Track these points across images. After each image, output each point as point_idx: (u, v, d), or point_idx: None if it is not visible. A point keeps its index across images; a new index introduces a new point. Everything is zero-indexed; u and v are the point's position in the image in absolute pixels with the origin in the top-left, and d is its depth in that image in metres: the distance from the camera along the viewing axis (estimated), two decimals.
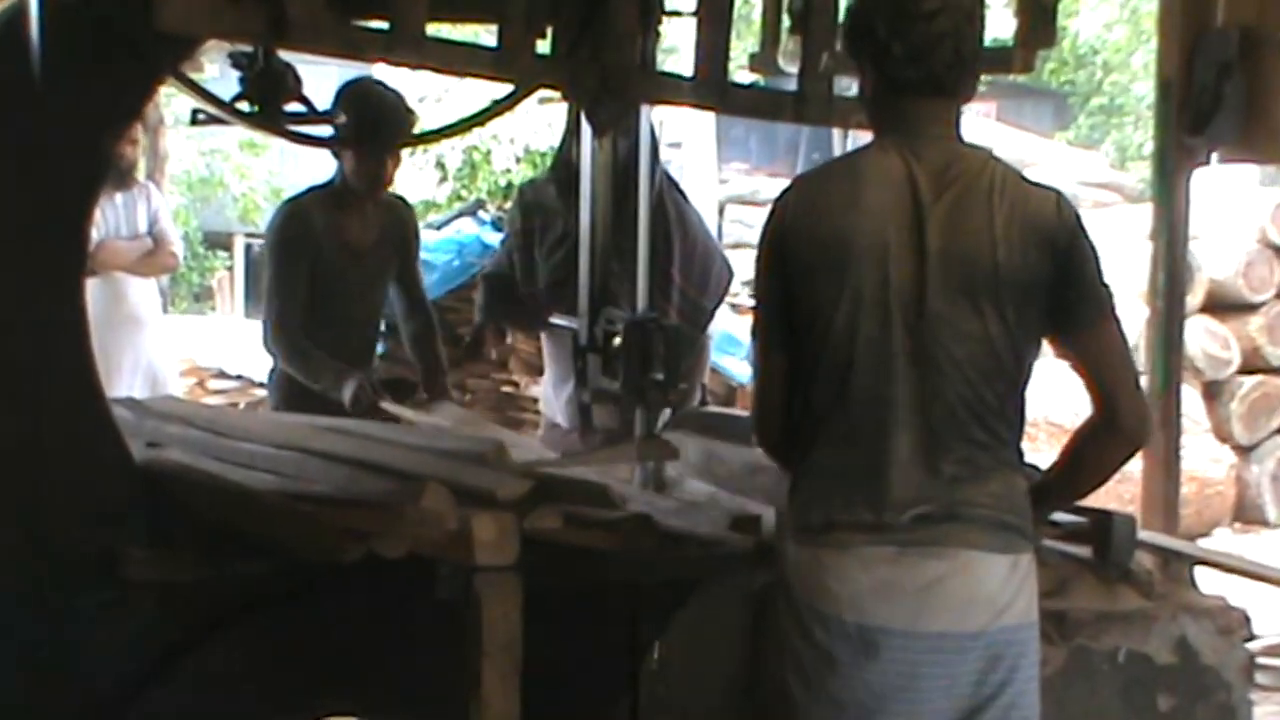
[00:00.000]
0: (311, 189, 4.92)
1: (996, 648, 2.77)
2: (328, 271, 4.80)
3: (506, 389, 7.32)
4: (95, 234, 6.93)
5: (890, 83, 2.85)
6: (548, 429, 5.05)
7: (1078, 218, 2.85)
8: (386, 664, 3.18)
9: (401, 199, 5.21)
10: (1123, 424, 2.85)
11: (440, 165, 11.07)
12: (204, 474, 3.30)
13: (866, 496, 2.78)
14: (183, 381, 8.02)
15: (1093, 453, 2.90)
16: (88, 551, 2.97)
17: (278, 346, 4.82)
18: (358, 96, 4.55)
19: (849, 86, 3.42)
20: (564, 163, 4.74)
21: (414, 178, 13.91)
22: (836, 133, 8.78)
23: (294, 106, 3.48)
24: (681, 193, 4.97)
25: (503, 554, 2.87)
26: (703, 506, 3.46)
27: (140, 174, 7.50)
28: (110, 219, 7.05)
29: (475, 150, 11.00)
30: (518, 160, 10.94)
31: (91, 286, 6.97)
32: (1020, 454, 2.87)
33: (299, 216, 4.81)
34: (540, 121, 10.15)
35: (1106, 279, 2.86)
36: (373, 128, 4.53)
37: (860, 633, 2.76)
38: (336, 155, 4.83)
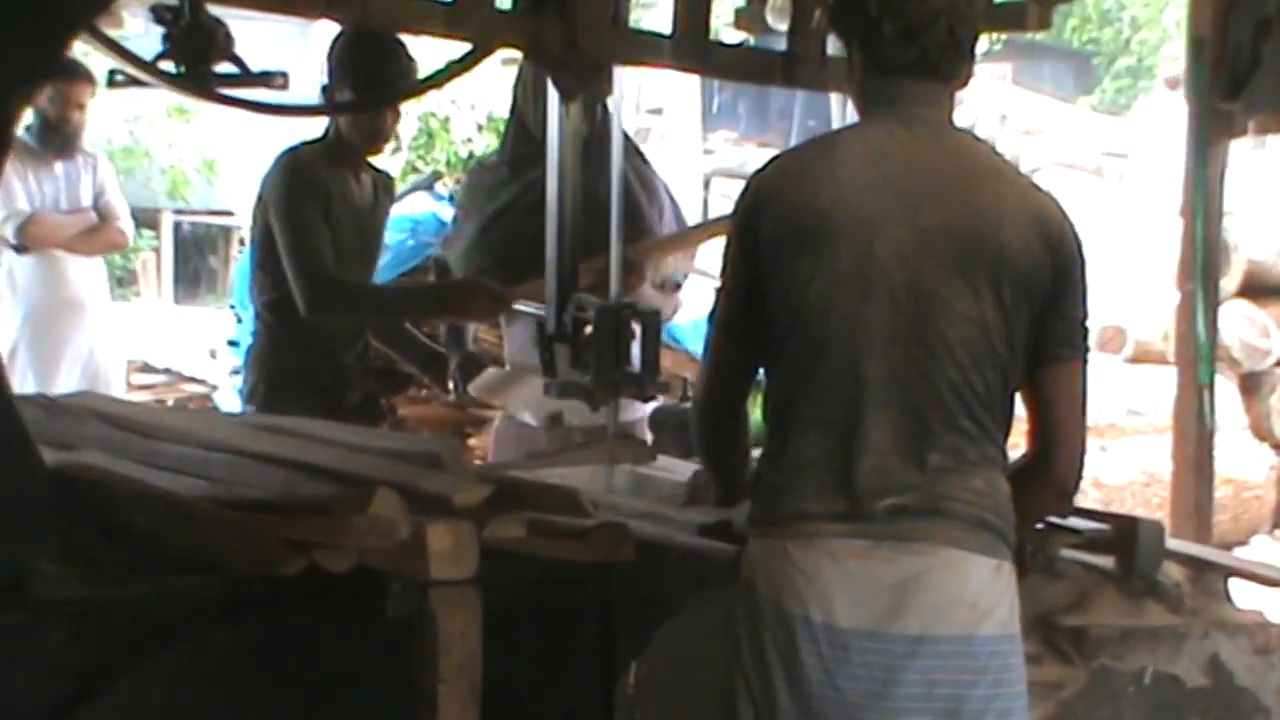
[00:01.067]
0: (305, 143, 4.86)
1: (979, 659, 2.80)
2: (335, 231, 4.72)
3: None
4: (28, 206, 6.90)
5: (880, 64, 2.93)
6: (512, 426, 5.04)
7: (1079, 237, 2.93)
8: (331, 691, 3.18)
9: (383, 171, 5.17)
10: (1055, 476, 2.95)
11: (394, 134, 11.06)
12: (125, 479, 3.29)
13: (840, 483, 2.82)
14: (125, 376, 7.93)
15: (1021, 496, 2.93)
16: None
17: (335, 298, 4.67)
18: (360, 44, 4.55)
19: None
20: (515, 136, 4.77)
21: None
22: (835, 98, 8.80)
23: (226, 68, 3.46)
24: (644, 159, 4.99)
25: (460, 566, 2.87)
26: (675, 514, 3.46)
27: (85, 143, 7.44)
28: (48, 190, 7.01)
29: (432, 117, 10.99)
30: (479, 128, 10.93)
31: (26, 265, 7.04)
32: (1005, 454, 2.92)
33: (306, 166, 4.72)
34: (504, 85, 10.15)
35: (1089, 317, 2.94)
36: (379, 79, 4.53)
37: (829, 634, 2.79)
38: (326, 113, 4.82)
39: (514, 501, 3.13)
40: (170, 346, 8.25)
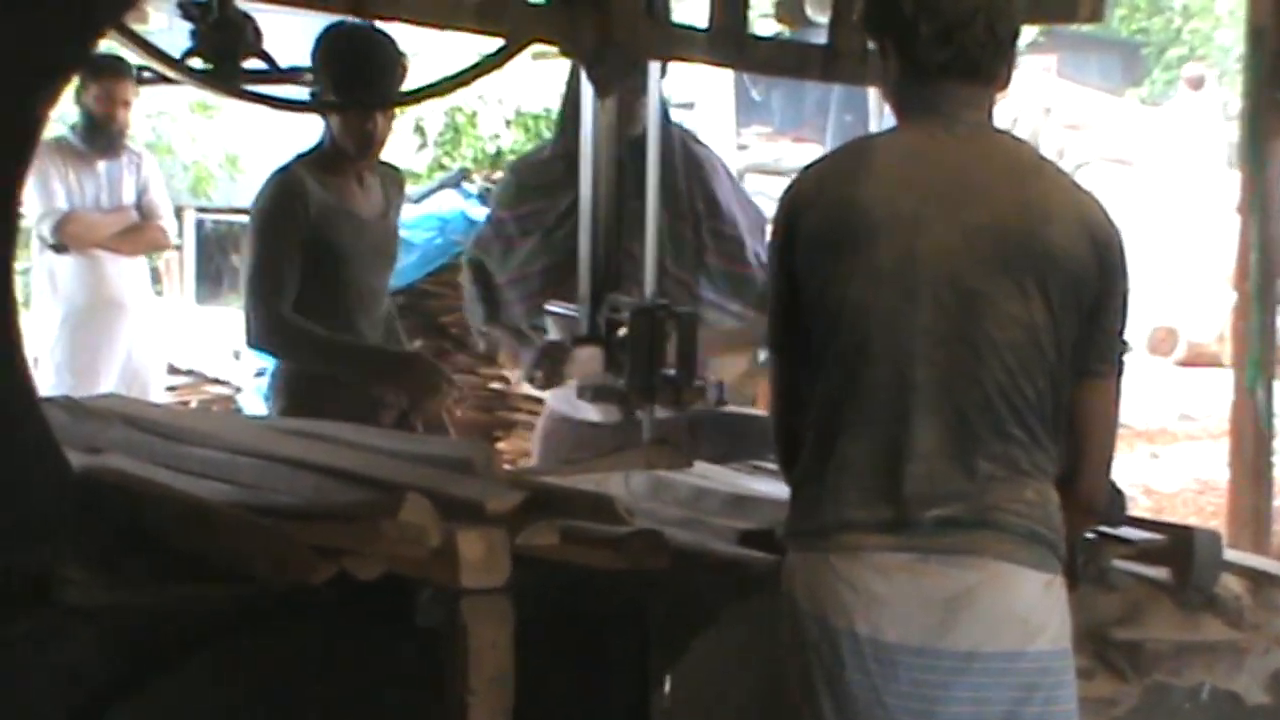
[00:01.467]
0: (300, 156, 4.85)
1: (1031, 675, 2.80)
2: (330, 245, 4.71)
3: (495, 385, 7.35)
4: (67, 205, 6.94)
5: (917, 65, 2.92)
6: (559, 425, 4.98)
7: (1123, 244, 2.92)
8: (359, 701, 3.19)
9: (392, 165, 5.16)
10: (1081, 494, 2.95)
11: (419, 129, 11.08)
12: (151, 484, 3.31)
13: (886, 490, 2.82)
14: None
15: None
16: (18, 574, 2.98)
17: (274, 337, 4.70)
18: (339, 42, 4.50)
19: None
20: (571, 131, 4.75)
21: (389, 144, 13.87)
22: (873, 92, 8.78)
23: (254, 64, 3.47)
24: (707, 151, 4.96)
25: (492, 574, 2.87)
26: (712, 520, 3.47)
27: (131, 140, 7.45)
28: (89, 189, 7.04)
29: (459, 112, 11.01)
30: (507, 124, 10.96)
31: (66, 265, 7.07)
32: (1055, 466, 2.90)
33: (289, 187, 4.71)
34: (534, 79, 10.17)
35: (1125, 331, 2.95)
36: (359, 79, 4.50)
37: (875, 649, 2.79)
38: (323, 114, 4.78)
39: (547, 508, 3.14)
40: (193, 347, 8.27)
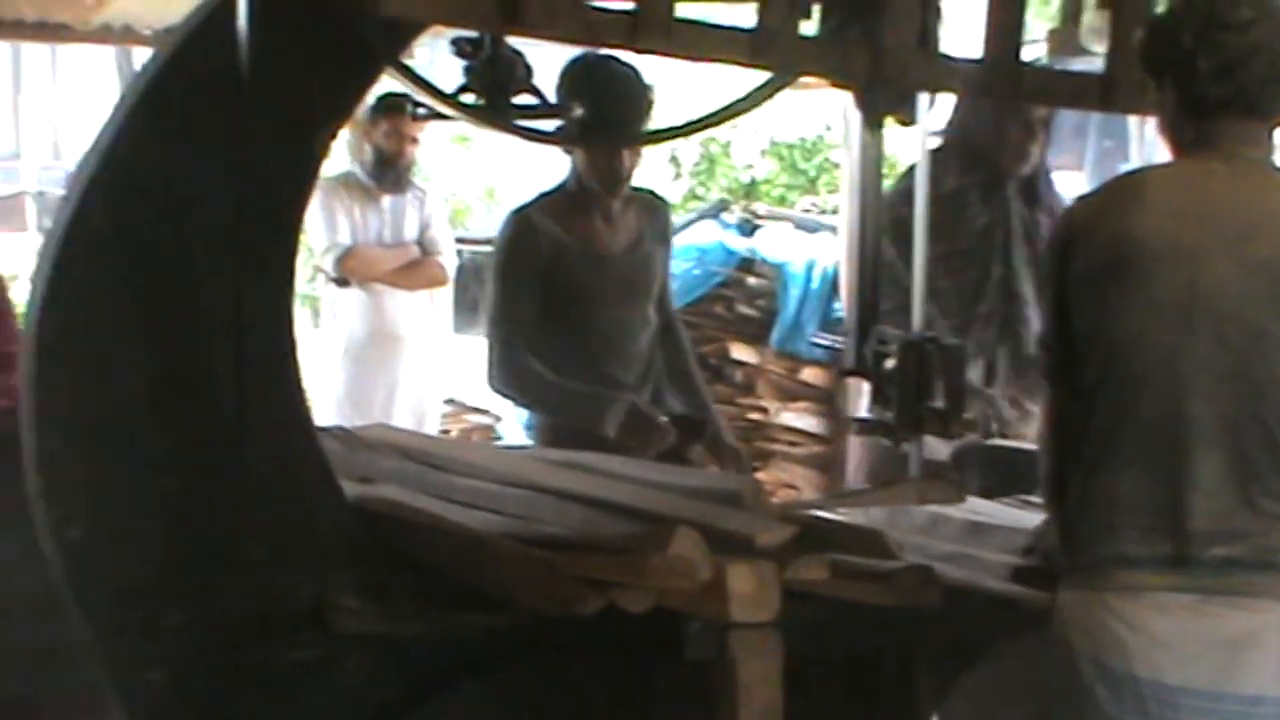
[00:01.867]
0: (543, 195, 4.87)
1: None
2: (568, 286, 4.70)
3: (754, 416, 7.34)
4: (350, 240, 7.10)
5: (1195, 102, 2.87)
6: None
7: None
8: None
9: (655, 195, 5.09)
10: None
11: (674, 160, 11.12)
12: (422, 514, 3.36)
13: (1166, 526, 2.77)
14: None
15: None
16: (296, 601, 3.04)
17: (510, 381, 4.74)
18: (584, 77, 4.42)
19: None
20: (964, 161, 4.83)
21: (643, 174, 13.98)
22: (1133, 119, 8.53)
23: (524, 99, 3.51)
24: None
25: (762, 609, 2.88)
26: (980, 556, 3.42)
27: (417, 177, 7.58)
28: (373, 225, 7.16)
29: (714, 142, 11.03)
30: (762, 154, 10.94)
31: (347, 298, 7.24)
32: None
33: (525, 228, 4.73)
34: (786, 110, 10.15)
35: None
36: (606, 115, 4.43)
37: (1156, 692, 2.73)
38: (567, 150, 4.77)
39: (816, 541, 3.13)
40: (452, 375, 8.37)
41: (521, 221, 4.76)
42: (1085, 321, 2.87)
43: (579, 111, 4.16)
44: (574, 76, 4.44)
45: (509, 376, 4.73)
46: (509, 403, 5.13)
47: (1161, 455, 2.79)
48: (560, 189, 4.83)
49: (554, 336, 4.70)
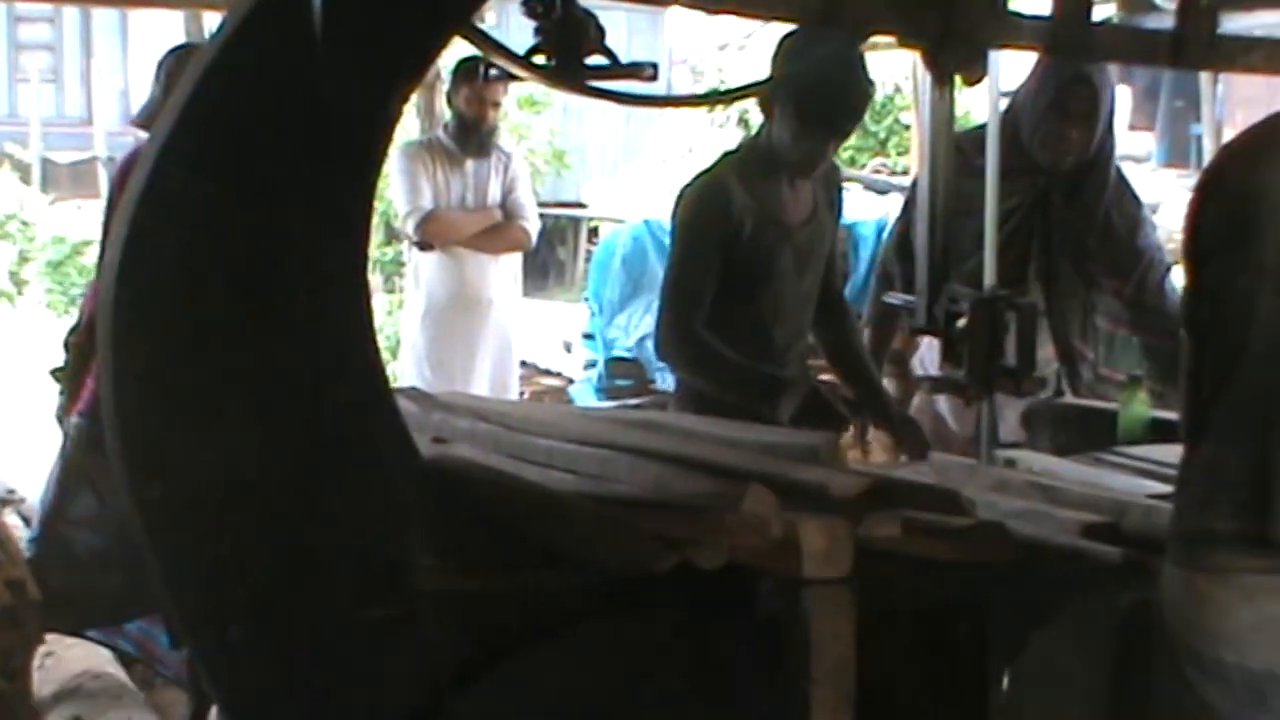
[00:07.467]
0: (726, 155, 4.76)
1: None
2: (751, 256, 4.59)
3: (824, 377, 7.30)
4: (432, 204, 7.14)
5: None
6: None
7: None
8: (699, 689, 3.22)
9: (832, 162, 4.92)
10: None
11: (744, 122, 11.11)
12: (497, 473, 3.39)
13: (1252, 501, 2.68)
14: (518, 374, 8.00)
15: None
16: (373, 560, 3.07)
17: (685, 351, 4.60)
18: (821, 61, 4.32)
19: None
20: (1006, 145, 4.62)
21: (712, 138, 14.00)
22: (1204, 76, 8.44)
23: (596, 59, 3.52)
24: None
25: (834, 565, 2.89)
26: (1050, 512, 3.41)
27: (502, 140, 7.59)
28: (455, 188, 7.19)
29: None
30: None
31: (429, 261, 7.29)
32: None
33: (715, 195, 4.59)
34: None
35: None
36: (835, 102, 4.43)
37: (1244, 677, 2.68)
38: (765, 111, 4.63)
39: (889, 498, 3.12)
40: (524, 339, 8.42)
41: (713, 187, 4.64)
42: (1206, 283, 2.77)
43: (790, 81, 4.21)
44: (801, 55, 4.38)
45: (684, 346, 4.60)
46: (673, 373, 4.95)
47: (1253, 429, 2.69)
48: (747, 153, 4.74)
49: (727, 306, 4.60)
